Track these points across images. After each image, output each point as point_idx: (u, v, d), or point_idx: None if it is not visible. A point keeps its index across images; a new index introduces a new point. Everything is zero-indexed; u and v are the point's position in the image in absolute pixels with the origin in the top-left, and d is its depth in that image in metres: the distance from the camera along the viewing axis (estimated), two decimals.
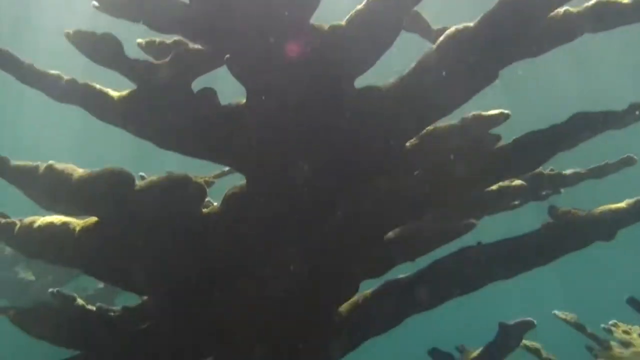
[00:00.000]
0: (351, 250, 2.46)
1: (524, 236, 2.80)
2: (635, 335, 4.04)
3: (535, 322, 3.29)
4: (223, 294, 2.51)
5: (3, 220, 2.86)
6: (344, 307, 2.68)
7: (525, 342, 4.09)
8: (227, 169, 3.32)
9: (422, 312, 2.81)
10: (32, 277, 8.12)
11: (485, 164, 2.45)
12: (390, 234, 2.61)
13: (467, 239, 2.88)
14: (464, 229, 2.68)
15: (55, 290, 3.04)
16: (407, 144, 2.44)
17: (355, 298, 2.71)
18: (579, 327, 4.06)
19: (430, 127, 2.44)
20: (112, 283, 2.88)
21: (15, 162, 2.62)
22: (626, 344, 3.93)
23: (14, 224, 2.81)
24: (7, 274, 8.02)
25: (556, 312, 4.16)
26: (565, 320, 4.12)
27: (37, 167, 2.61)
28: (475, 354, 3.44)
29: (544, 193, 3.14)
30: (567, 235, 2.73)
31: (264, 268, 2.45)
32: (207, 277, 2.56)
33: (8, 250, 8.41)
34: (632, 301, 3.10)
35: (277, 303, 2.47)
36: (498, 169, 2.50)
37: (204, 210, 2.62)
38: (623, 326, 4.13)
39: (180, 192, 2.52)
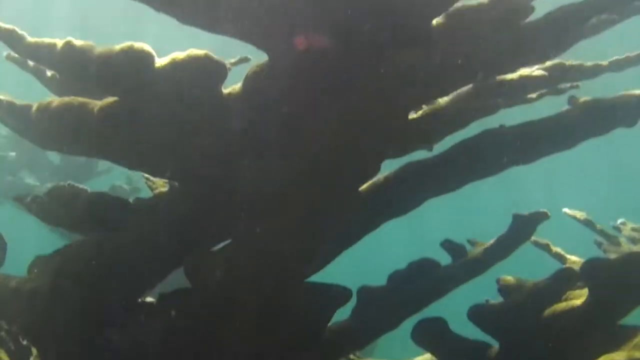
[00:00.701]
0: (374, 126, 2.43)
1: (546, 119, 2.79)
2: None
3: (549, 213, 3.31)
4: (246, 169, 2.51)
5: (19, 103, 2.84)
6: (364, 187, 2.69)
7: (534, 238, 4.13)
8: (244, 56, 3.28)
9: (443, 194, 2.81)
10: (37, 182, 8.18)
11: (515, 38, 2.41)
12: (414, 114, 2.59)
13: None
14: (490, 109, 2.66)
15: (68, 183, 3.05)
16: (434, 21, 2.40)
17: (376, 178, 2.71)
18: (589, 223, 4.10)
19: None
20: (129, 166, 2.87)
21: (30, 39, 2.58)
22: (635, 241, 3.98)
23: (30, 106, 2.79)
24: (12, 180, 8.07)
25: (566, 209, 4.19)
26: (574, 217, 4.15)
27: (54, 44, 2.57)
28: (487, 245, 3.47)
29: (563, 86, 3.12)
30: (590, 119, 2.72)
31: (286, 141, 2.44)
32: (228, 154, 2.55)
33: (12, 156, 8.42)
34: None
35: (301, 176, 2.46)
36: (526, 45, 2.46)
37: (225, 90, 2.60)
38: (632, 224, 4.17)
39: (202, 70, 2.49)
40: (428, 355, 4.02)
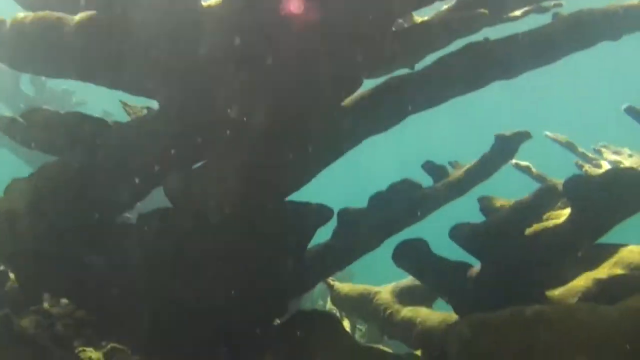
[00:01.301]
0: (357, 41, 2.38)
1: (529, 32, 2.74)
2: (625, 156, 4.09)
3: (530, 133, 3.29)
4: (229, 83, 2.45)
5: None
6: (347, 101, 2.64)
7: (516, 160, 4.13)
8: None
9: (424, 109, 2.77)
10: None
11: None
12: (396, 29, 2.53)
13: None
14: (473, 21, 2.60)
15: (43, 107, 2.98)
16: None
17: (358, 93, 2.67)
18: (570, 146, 4.09)
19: None
20: (110, 83, 2.79)
21: None
22: (615, 163, 3.98)
23: (4, 21, 2.70)
24: None
25: (547, 132, 4.18)
26: (555, 140, 4.14)
27: None
28: (469, 165, 3.46)
29: (546, 4, 3.07)
30: (573, 32, 2.68)
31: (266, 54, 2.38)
32: (213, 64, 2.49)
33: None
34: (630, 110, 3.08)
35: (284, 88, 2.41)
36: None
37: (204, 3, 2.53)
38: (613, 147, 4.17)
39: None
40: (408, 280, 4.06)
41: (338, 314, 5.11)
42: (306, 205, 2.87)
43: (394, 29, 2.62)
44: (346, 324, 5.56)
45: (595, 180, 2.76)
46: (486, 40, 2.72)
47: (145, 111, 3.08)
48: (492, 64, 2.68)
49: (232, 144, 2.59)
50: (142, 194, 2.91)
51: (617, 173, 2.82)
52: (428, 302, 3.93)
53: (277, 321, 3.24)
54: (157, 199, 2.94)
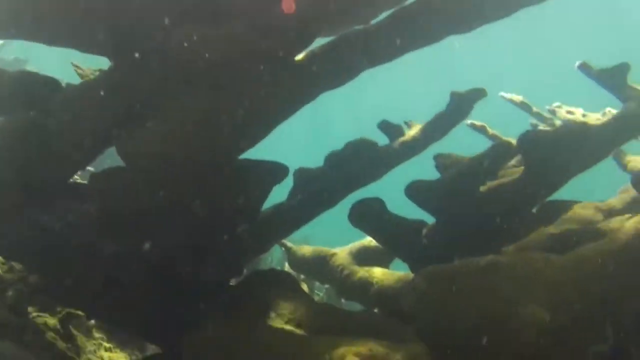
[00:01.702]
0: None
1: None
2: (578, 116, 4.11)
3: (486, 90, 3.29)
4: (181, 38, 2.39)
5: None
6: (300, 57, 2.60)
7: (473, 121, 4.14)
8: None
9: (378, 64, 2.73)
10: None
11: None
12: None
13: None
14: None
15: None
16: None
17: (312, 47, 2.62)
18: (525, 106, 4.11)
19: None
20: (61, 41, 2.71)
21: None
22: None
23: None
24: None
25: (502, 93, 4.19)
26: (511, 100, 4.15)
27: None
28: (424, 124, 3.45)
29: None
30: None
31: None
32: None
33: None
34: (583, 67, 3.10)
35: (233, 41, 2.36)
36: None
37: None
38: (567, 107, 4.19)
39: None
40: (365, 240, 4.06)
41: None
42: (260, 162, 2.83)
43: None
44: (304, 288, 5.57)
45: (548, 136, 2.77)
46: None
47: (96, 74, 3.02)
48: (446, 18, 2.64)
49: (182, 100, 2.54)
50: (93, 154, 2.85)
51: (569, 128, 2.83)
52: (385, 263, 3.94)
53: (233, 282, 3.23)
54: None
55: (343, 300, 4.93)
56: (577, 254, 2.08)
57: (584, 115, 4.07)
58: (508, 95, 4.15)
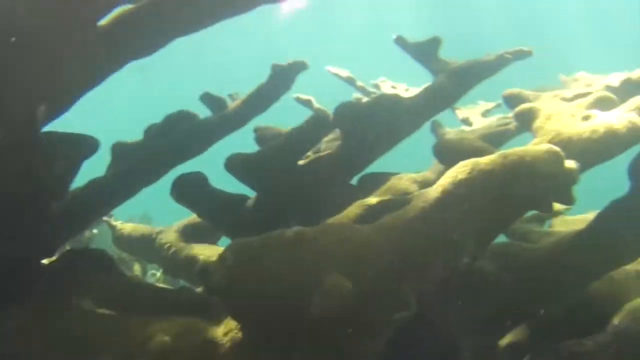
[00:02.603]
0: None
1: None
2: (401, 90, 4.21)
3: (306, 63, 3.28)
4: None
5: None
6: (104, 22, 2.47)
7: (299, 94, 4.14)
8: None
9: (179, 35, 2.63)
10: None
11: None
12: None
13: None
14: None
15: None
16: None
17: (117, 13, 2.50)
18: (350, 80, 4.15)
19: None
20: None
21: None
22: None
23: None
24: None
25: (329, 67, 4.21)
26: (337, 75, 4.18)
27: None
28: (246, 96, 3.40)
29: None
30: None
31: None
32: None
33: None
34: (399, 40, 3.15)
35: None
36: None
37: None
38: (391, 82, 4.28)
39: None
40: (194, 217, 3.97)
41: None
42: (65, 136, 2.68)
43: None
44: (137, 268, 5.43)
45: (362, 108, 2.80)
46: None
47: None
48: None
49: None
50: None
51: (382, 100, 2.87)
52: (213, 239, 3.88)
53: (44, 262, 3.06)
54: None
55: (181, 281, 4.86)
56: (381, 222, 2.11)
57: (406, 90, 4.18)
58: (334, 69, 4.18)
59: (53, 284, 2.78)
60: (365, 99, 4.00)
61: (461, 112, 4.19)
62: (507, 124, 3.55)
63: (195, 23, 2.57)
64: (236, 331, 2.22)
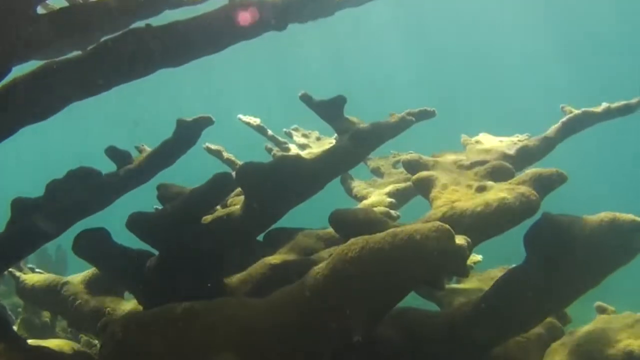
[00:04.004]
0: None
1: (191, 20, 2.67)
2: (313, 139, 4.24)
3: (213, 118, 3.27)
4: None
5: None
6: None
7: (209, 144, 4.13)
8: None
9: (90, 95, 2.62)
10: None
11: None
12: None
13: None
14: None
15: None
16: None
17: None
18: (261, 129, 4.16)
19: None
20: None
21: None
22: (303, 146, 4.11)
23: None
24: None
25: (240, 115, 4.21)
26: (248, 123, 4.19)
27: None
28: (151, 151, 3.37)
29: None
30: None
31: None
32: None
33: None
34: (304, 97, 3.16)
35: None
36: None
37: None
38: (303, 130, 4.30)
39: None
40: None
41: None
42: None
43: None
44: (46, 314, 5.28)
45: (263, 169, 2.79)
46: (147, 26, 2.61)
47: None
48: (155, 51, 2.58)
49: None
50: None
51: (283, 161, 2.88)
52: (122, 292, 3.80)
53: None
54: None
55: None
56: (270, 297, 2.11)
57: (318, 139, 4.22)
58: (245, 118, 4.18)
59: None
60: (276, 150, 4.01)
61: (372, 162, 4.24)
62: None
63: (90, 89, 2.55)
64: None
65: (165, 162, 3.31)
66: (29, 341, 2.99)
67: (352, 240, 2.01)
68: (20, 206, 3.16)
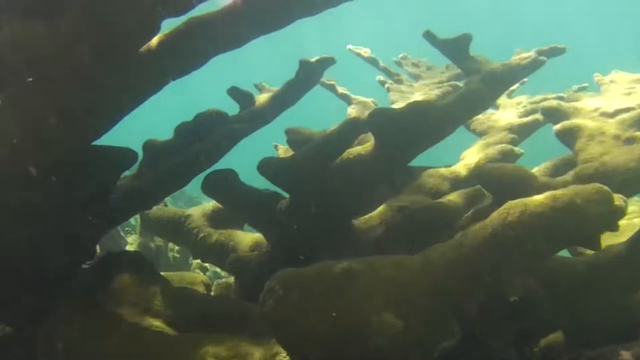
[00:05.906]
0: None
1: None
2: (423, 69, 4.20)
3: (334, 58, 3.28)
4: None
5: None
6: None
7: (325, 79, 4.13)
8: None
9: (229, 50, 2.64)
10: None
11: None
12: None
13: None
14: None
15: None
16: None
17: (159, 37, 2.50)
18: (372, 60, 4.14)
19: None
20: None
21: None
22: (416, 76, 4.08)
23: None
24: None
25: (350, 46, 4.18)
26: (359, 54, 4.16)
27: None
28: (275, 92, 3.40)
29: None
30: None
31: None
32: None
33: None
34: (427, 35, 3.12)
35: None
36: None
37: None
38: (412, 59, 4.26)
39: None
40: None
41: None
42: (108, 150, 2.72)
43: None
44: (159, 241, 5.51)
45: (395, 114, 2.79)
46: None
47: None
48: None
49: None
50: None
51: (415, 106, 2.86)
52: (239, 224, 3.93)
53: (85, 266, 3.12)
54: None
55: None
56: (425, 257, 2.15)
57: (428, 68, 4.17)
58: (356, 49, 4.15)
59: (95, 290, 2.84)
60: (389, 82, 3.99)
61: None
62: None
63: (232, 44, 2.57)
64: (281, 355, 2.32)
65: (288, 102, 3.34)
66: (162, 273, 3.15)
67: (510, 203, 2.02)
68: (152, 150, 3.25)
